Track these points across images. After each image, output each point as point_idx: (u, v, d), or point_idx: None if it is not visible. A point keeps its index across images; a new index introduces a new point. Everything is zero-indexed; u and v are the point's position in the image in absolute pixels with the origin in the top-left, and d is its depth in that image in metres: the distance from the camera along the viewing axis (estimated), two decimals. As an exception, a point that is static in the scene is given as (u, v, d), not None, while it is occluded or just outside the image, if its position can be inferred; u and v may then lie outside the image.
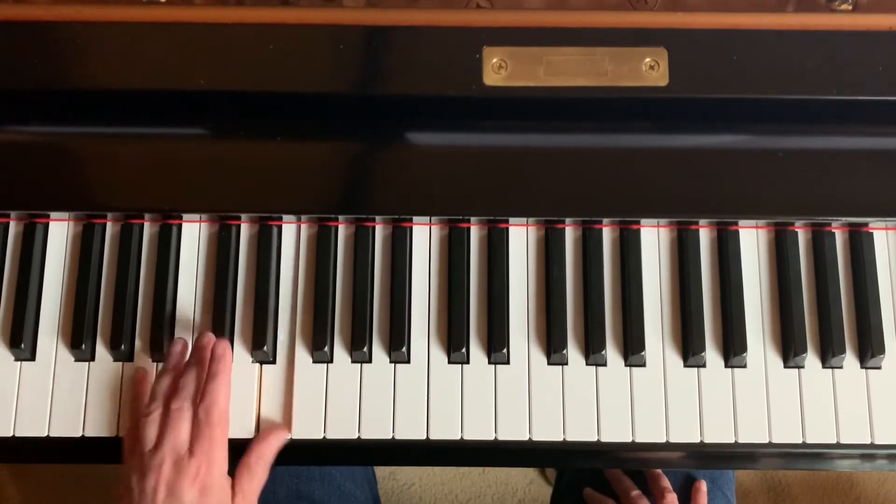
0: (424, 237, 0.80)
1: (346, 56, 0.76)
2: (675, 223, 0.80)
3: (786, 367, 0.78)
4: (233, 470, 0.73)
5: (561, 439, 0.76)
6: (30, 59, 0.75)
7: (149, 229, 0.80)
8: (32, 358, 0.78)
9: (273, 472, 0.75)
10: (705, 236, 0.80)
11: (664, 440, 0.76)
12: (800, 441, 0.76)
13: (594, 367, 0.77)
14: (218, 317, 0.78)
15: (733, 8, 0.77)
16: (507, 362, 0.77)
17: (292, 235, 0.80)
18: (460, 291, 0.78)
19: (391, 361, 0.77)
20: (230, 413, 0.74)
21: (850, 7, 0.77)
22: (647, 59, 0.75)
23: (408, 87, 0.75)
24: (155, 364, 0.78)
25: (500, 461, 0.79)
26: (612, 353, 0.77)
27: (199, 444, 0.70)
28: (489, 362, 0.77)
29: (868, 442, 0.76)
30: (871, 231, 0.80)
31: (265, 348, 0.77)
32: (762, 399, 0.77)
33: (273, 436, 0.75)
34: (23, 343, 0.77)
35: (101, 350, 0.78)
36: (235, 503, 0.71)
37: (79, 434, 0.76)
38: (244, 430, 0.76)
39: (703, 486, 0.90)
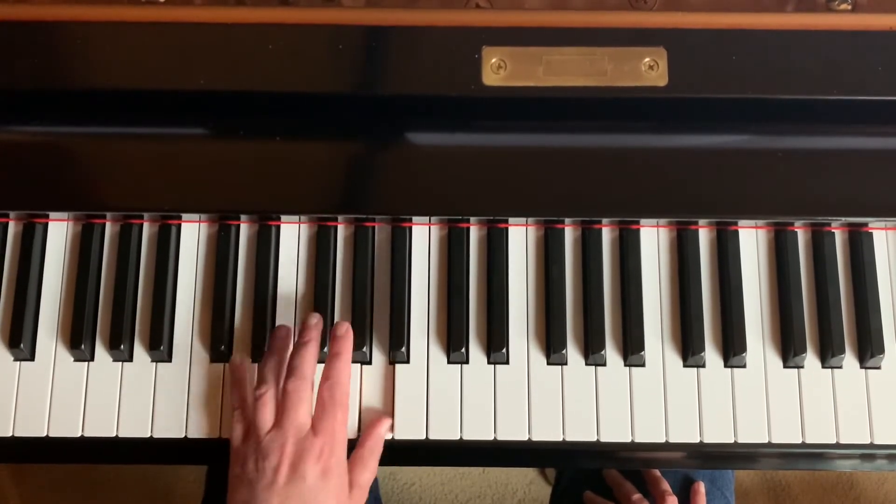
0: (424, 237, 0.80)
1: (345, 56, 0.76)
2: (674, 223, 0.80)
3: (785, 367, 0.78)
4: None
5: (560, 439, 0.76)
6: (30, 59, 0.75)
7: (148, 229, 0.80)
8: (31, 358, 0.78)
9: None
10: (705, 236, 0.80)
11: (664, 440, 0.76)
12: (799, 441, 0.76)
13: (594, 367, 0.77)
14: (217, 317, 0.78)
15: (733, 8, 0.77)
16: (507, 362, 0.77)
17: (292, 235, 0.80)
18: (460, 291, 0.78)
19: (390, 361, 0.77)
20: (229, 412, 0.74)
21: (850, 7, 0.77)
22: (647, 59, 0.75)
23: (407, 87, 0.75)
24: (155, 364, 0.78)
25: (499, 461, 0.79)
26: (611, 353, 0.77)
27: (323, 423, 0.69)
28: (488, 362, 0.77)
29: (868, 442, 0.76)
30: (870, 231, 0.80)
31: (264, 348, 0.77)
32: (762, 399, 0.77)
33: (381, 425, 0.74)
34: (22, 343, 0.77)
35: (101, 350, 0.78)
36: (353, 495, 0.71)
37: (78, 434, 0.76)
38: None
39: (702, 487, 0.90)
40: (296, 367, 0.72)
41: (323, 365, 0.73)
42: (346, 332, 0.74)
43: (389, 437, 0.76)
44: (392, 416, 0.76)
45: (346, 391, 0.72)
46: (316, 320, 0.75)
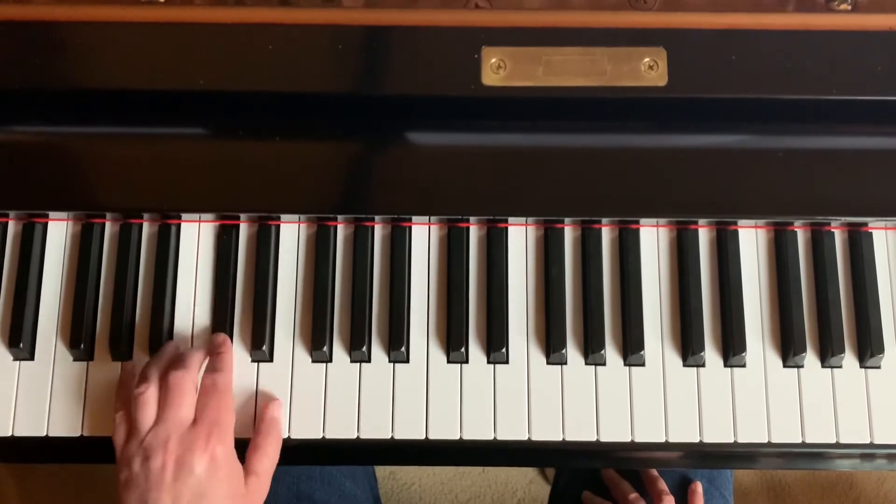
0: (423, 237, 0.80)
1: (345, 56, 0.76)
2: (674, 223, 0.80)
3: (785, 366, 0.78)
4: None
5: (560, 439, 0.76)
6: (30, 59, 0.75)
7: (148, 229, 0.80)
8: (31, 357, 0.78)
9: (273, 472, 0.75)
10: (705, 236, 0.80)
11: (663, 440, 0.76)
12: (799, 441, 0.76)
13: (593, 366, 0.77)
14: (217, 316, 0.78)
15: (732, 8, 0.77)
16: (507, 362, 0.77)
17: (292, 235, 0.80)
18: (459, 291, 0.78)
19: (390, 361, 0.77)
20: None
21: (850, 7, 0.77)
22: (647, 59, 0.75)
23: (407, 87, 0.75)
24: (154, 364, 0.78)
25: (499, 461, 0.79)
26: (611, 353, 0.77)
27: (205, 411, 0.68)
28: (488, 362, 0.77)
29: (867, 441, 0.76)
30: (870, 231, 0.80)
31: (264, 348, 0.77)
32: (761, 399, 0.77)
33: (272, 407, 0.74)
34: (21, 342, 0.77)
35: (100, 350, 0.78)
36: (249, 483, 0.69)
37: (78, 434, 0.76)
38: (243, 430, 0.76)
39: (699, 487, 0.90)
40: (179, 359, 0.71)
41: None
42: (224, 339, 0.75)
43: (389, 436, 0.76)
44: (391, 415, 0.76)
45: (229, 381, 0.70)
46: (227, 344, 0.76)
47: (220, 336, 0.76)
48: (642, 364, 0.77)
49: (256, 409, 0.76)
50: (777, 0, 0.78)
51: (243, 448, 0.73)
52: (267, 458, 0.72)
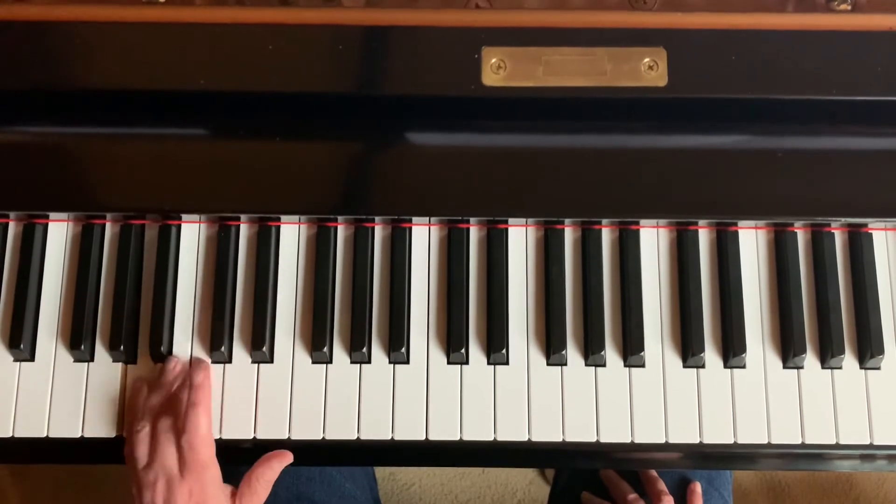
0: (424, 238, 0.80)
1: (345, 56, 0.76)
2: (674, 224, 0.80)
3: (785, 367, 0.78)
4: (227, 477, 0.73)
5: (560, 440, 0.76)
6: (30, 59, 0.75)
7: (148, 230, 0.80)
8: (32, 358, 0.78)
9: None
10: (705, 237, 0.80)
11: (663, 441, 0.76)
12: (799, 441, 0.76)
13: (593, 367, 0.77)
14: (217, 317, 0.78)
15: (732, 8, 0.77)
16: (507, 363, 0.77)
17: (292, 236, 0.80)
18: (459, 292, 0.78)
19: (390, 362, 0.77)
20: (229, 412, 0.75)
21: (850, 7, 0.77)
22: (646, 60, 0.74)
23: (407, 87, 0.75)
24: (155, 364, 0.78)
25: (499, 462, 0.79)
26: (611, 354, 0.77)
27: (187, 469, 0.71)
28: (488, 363, 0.77)
29: (867, 442, 0.76)
30: (870, 231, 0.80)
31: (264, 349, 0.77)
32: (761, 399, 0.77)
33: (276, 459, 0.75)
34: (22, 343, 0.77)
35: (101, 350, 0.78)
36: None
37: (78, 434, 0.76)
38: (243, 432, 0.76)
39: (698, 487, 0.90)
40: (165, 412, 0.73)
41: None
42: (202, 381, 0.75)
43: (389, 436, 0.76)
44: (392, 416, 0.76)
45: (204, 436, 0.72)
46: (179, 365, 0.77)
47: (199, 375, 0.75)
48: (642, 365, 0.77)
49: (256, 411, 0.76)
50: (777, 0, 0.78)
51: (236, 451, 0.74)
52: (256, 498, 0.75)
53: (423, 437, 0.76)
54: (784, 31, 0.75)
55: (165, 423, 0.72)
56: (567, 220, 0.79)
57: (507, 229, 0.80)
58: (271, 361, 0.78)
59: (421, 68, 0.75)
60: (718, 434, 0.76)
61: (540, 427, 0.76)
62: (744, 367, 0.77)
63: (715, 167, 0.77)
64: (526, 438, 0.76)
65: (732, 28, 0.75)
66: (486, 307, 0.78)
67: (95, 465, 0.89)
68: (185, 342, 0.78)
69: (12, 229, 0.80)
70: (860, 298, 0.78)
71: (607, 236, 0.80)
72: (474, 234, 0.80)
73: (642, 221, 0.79)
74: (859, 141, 0.78)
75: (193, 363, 0.77)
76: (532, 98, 0.75)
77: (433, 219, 0.80)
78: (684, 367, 0.77)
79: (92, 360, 0.78)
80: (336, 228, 0.80)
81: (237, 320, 0.78)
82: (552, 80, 0.74)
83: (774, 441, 0.76)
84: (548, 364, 0.77)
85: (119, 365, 0.77)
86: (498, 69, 0.74)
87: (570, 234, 0.80)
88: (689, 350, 0.77)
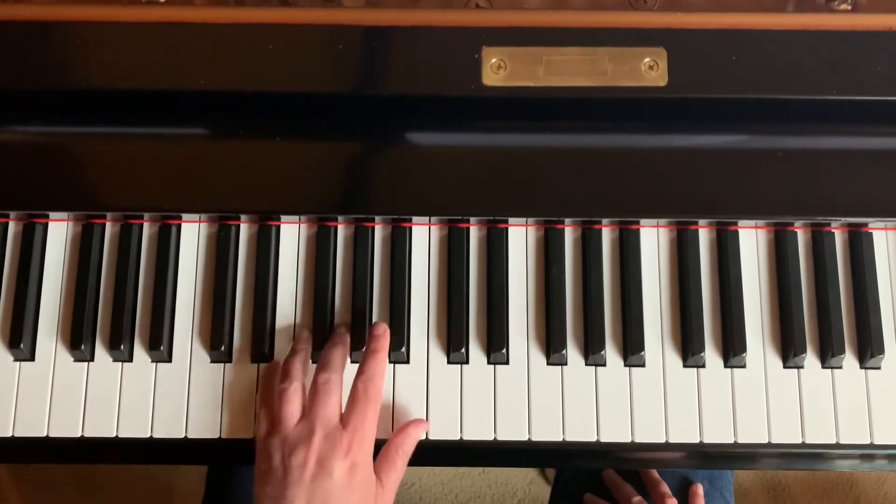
0: (424, 237, 0.80)
1: (345, 56, 0.76)
2: (674, 223, 0.80)
3: (785, 367, 0.78)
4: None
5: (560, 439, 0.76)
6: (30, 59, 0.75)
7: (148, 229, 0.80)
8: (31, 358, 0.78)
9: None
10: (705, 236, 0.80)
11: (664, 440, 0.76)
12: (799, 441, 0.76)
13: (593, 367, 0.77)
14: (217, 317, 0.78)
15: (733, 8, 0.77)
16: (507, 362, 0.77)
17: (292, 235, 0.80)
18: (460, 291, 0.78)
19: (390, 361, 0.77)
20: (229, 412, 0.74)
21: (850, 7, 0.77)
22: (647, 60, 0.75)
23: (407, 87, 0.75)
24: (155, 364, 0.78)
25: (499, 461, 0.79)
26: (611, 354, 0.77)
27: (352, 416, 0.69)
28: (488, 362, 0.77)
29: (867, 442, 0.76)
30: (870, 231, 0.80)
31: (264, 348, 0.77)
32: (761, 399, 0.77)
33: (413, 427, 0.74)
34: (22, 343, 0.77)
35: (101, 350, 0.78)
36: (377, 496, 0.70)
37: (78, 434, 0.76)
38: (243, 432, 0.76)
39: (700, 489, 0.90)
40: (327, 360, 0.72)
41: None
42: (384, 332, 0.75)
43: (390, 436, 0.76)
44: (392, 416, 0.76)
45: (380, 388, 0.71)
46: (343, 328, 0.76)
47: (380, 327, 0.75)
48: (642, 365, 0.77)
49: (255, 412, 0.76)
50: (777, 0, 0.78)
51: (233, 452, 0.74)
52: (395, 472, 0.72)
53: (424, 437, 0.76)
54: (784, 31, 0.75)
55: (327, 372, 0.70)
56: (567, 220, 0.79)
57: (507, 229, 0.80)
58: (272, 360, 0.78)
59: (421, 68, 0.75)
60: (718, 433, 0.76)
61: (540, 427, 0.76)
62: (744, 366, 0.77)
63: (715, 167, 0.77)
64: (526, 438, 0.76)
65: (732, 28, 0.75)
66: (486, 307, 0.78)
67: (95, 465, 0.89)
68: (185, 342, 0.78)
69: (12, 229, 0.80)
70: (860, 298, 0.78)
71: (607, 236, 0.80)
72: (474, 233, 0.80)
73: (642, 221, 0.79)
74: (859, 141, 0.78)
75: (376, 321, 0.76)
76: (532, 98, 0.75)
77: (433, 218, 0.80)
78: (684, 366, 0.77)
79: (92, 359, 0.78)
80: (336, 228, 0.80)
81: (237, 320, 0.78)
82: (552, 80, 0.74)
83: (774, 440, 0.76)
84: (548, 363, 0.77)
85: (119, 365, 0.77)
86: (498, 69, 0.74)
87: (570, 234, 0.80)
88: (689, 349, 0.77)
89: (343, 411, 0.70)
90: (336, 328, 0.77)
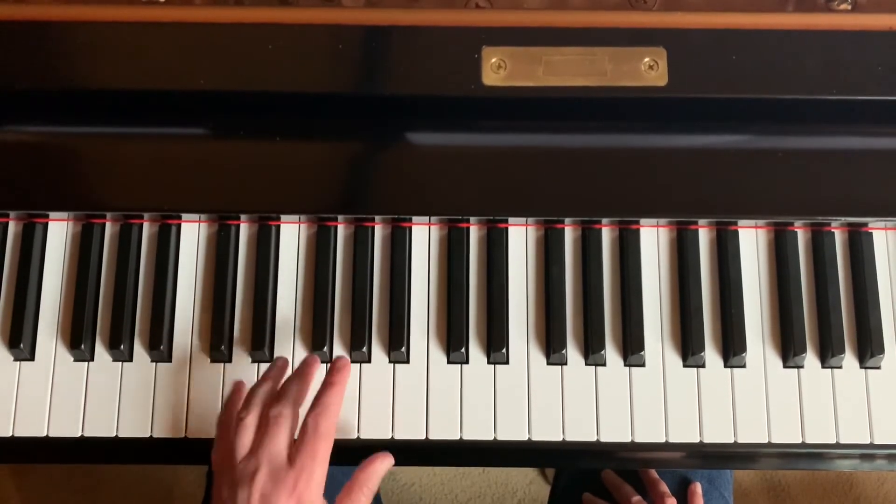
0: (424, 237, 0.80)
1: (345, 56, 0.76)
2: (674, 223, 0.80)
3: (785, 366, 0.78)
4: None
5: (560, 439, 0.76)
6: (30, 59, 0.75)
7: (148, 229, 0.80)
8: (31, 358, 0.78)
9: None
10: (705, 236, 0.80)
11: (663, 440, 0.76)
12: (799, 441, 0.76)
13: (593, 367, 0.77)
14: (217, 317, 0.78)
15: (732, 8, 0.77)
16: (507, 362, 0.77)
17: (292, 235, 0.80)
18: (459, 291, 0.78)
19: (390, 361, 0.77)
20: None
21: (850, 7, 0.77)
22: (647, 59, 0.75)
23: (407, 87, 0.75)
24: (154, 364, 0.78)
25: (499, 461, 0.79)
26: (611, 353, 0.77)
27: (300, 454, 0.66)
28: (488, 362, 0.77)
29: (867, 442, 0.76)
30: (870, 231, 0.80)
31: (264, 349, 0.77)
32: (761, 399, 0.77)
33: (379, 462, 0.72)
34: (22, 343, 0.77)
35: (101, 350, 0.78)
36: None
37: (78, 434, 0.76)
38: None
39: (699, 488, 0.90)
40: (283, 392, 0.69)
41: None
42: (344, 365, 0.73)
43: (389, 436, 0.76)
44: (392, 415, 0.76)
45: (333, 423, 0.68)
46: (314, 358, 0.74)
47: (342, 360, 0.74)
48: (642, 364, 0.77)
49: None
50: (777, 0, 0.78)
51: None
52: None
53: (423, 437, 0.76)
54: (784, 31, 0.76)
55: (279, 406, 0.67)
56: (567, 220, 0.79)
57: (507, 229, 0.80)
58: (271, 360, 0.78)
59: (421, 68, 0.75)
60: (718, 433, 0.76)
61: (540, 426, 0.76)
62: (744, 366, 0.77)
63: (715, 167, 0.77)
64: (526, 438, 0.76)
65: (732, 28, 0.75)
66: (486, 306, 0.78)
67: (95, 465, 0.89)
68: (184, 342, 0.78)
69: (12, 229, 0.80)
70: (860, 298, 0.78)
71: (607, 235, 0.80)
72: (474, 233, 0.80)
73: (642, 221, 0.79)
74: (859, 141, 0.78)
75: (332, 360, 0.75)
76: (532, 98, 0.75)
77: (433, 218, 0.80)
78: (684, 366, 0.77)
79: (92, 359, 0.78)
80: (336, 228, 0.80)
81: (237, 320, 0.78)
82: (552, 80, 0.74)
83: (774, 440, 0.76)
84: (548, 363, 0.77)
85: (119, 364, 0.77)
86: (498, 69, 0.74)
87: (570, 234, 0.80)
88: (689, 349, 0.77)
89: (293, 446, 0.67)
90: (305, 360, 0.74)
